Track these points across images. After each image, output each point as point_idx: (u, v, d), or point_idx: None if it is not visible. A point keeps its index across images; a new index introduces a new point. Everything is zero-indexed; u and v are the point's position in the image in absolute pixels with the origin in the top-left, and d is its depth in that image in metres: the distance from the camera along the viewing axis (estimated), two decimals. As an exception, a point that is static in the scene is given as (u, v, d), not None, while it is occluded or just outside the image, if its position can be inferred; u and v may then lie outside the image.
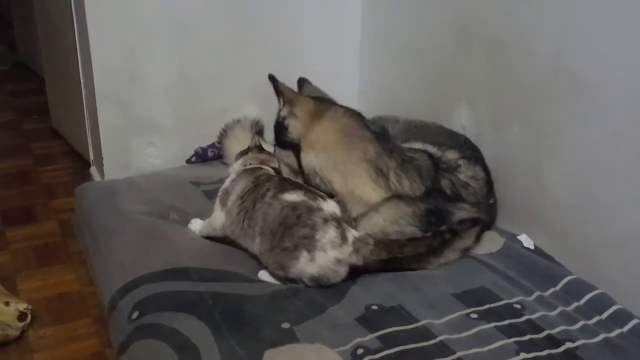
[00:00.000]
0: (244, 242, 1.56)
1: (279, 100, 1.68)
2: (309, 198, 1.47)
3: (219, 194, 1.64)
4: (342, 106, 1.71)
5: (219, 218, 1.61)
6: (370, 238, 1.46)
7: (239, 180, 1.61)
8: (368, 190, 1.58)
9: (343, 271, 1.45)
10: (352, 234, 1.44)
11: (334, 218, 1.44)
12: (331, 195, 1.56)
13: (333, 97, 1.79)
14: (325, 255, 1.42)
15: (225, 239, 1.62)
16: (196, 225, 1.71)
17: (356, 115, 1.69)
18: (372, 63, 2.41)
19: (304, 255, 1.42)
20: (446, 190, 1.61)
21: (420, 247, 1.49)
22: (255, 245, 1.51)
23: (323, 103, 1.70)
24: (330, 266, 1.43)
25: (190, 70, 2.21)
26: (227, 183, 1.64)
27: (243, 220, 1.53)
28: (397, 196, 1.57)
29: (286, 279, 1.48)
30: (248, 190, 1.55)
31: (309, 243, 1.42)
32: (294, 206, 1.45)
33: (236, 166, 1.68)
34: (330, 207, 1.46)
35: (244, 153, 1.72)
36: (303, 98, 1.69)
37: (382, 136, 1.68)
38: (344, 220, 1.46)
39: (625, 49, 1.41)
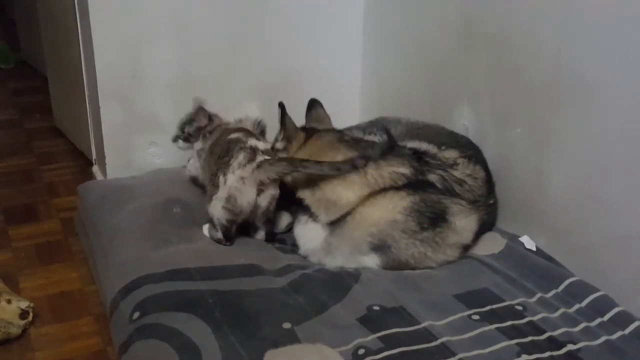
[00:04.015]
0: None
1: (280, 130, 1.74)
2: (244, 135, 1.66)
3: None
4: (329, 129, 1.77)
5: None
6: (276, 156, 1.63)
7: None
8: (339, 191, 1.58)
9: (250, 190, 1.57)
10: (262, 157, 1.58)
11: (252, 148, 1.60)
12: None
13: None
14: (233, 176, 1.56)
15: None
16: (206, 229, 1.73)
17: (334, 132, 1.75)
18: (374, 62, 2.41)
19: (221, 179, 1.59)
20: (436, 184, 1.60)
21: (325, 169, 1.56)
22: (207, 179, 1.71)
23: (314, 134, 1.73)
24: (235, 185, 1.57)
25: (192, 69, 2.21)
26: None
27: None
28: (382, 190, 1.56)
29: (215, 223, 1.64)
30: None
31: (225, 168, 1.59)
32: (229, 141, 1.65)
33: None
34: (256, 143, 1.62)
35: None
36: (299, 134, 1.73)
37: (353, 139, 1.70)
38: (262, 151, 1.61)
39: (628, 47, 1.40)
